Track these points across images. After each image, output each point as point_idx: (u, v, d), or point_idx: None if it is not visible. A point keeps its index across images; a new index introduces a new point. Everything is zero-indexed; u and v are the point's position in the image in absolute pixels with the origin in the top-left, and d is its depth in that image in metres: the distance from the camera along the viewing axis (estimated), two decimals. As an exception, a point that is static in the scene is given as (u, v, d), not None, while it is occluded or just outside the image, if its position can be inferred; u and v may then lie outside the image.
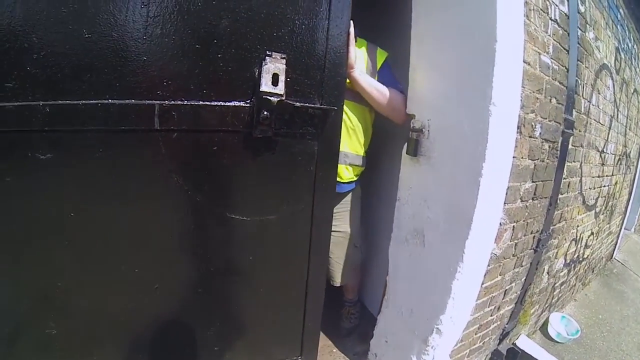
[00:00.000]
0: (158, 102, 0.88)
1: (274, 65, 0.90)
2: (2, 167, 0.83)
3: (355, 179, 1.31)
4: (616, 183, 2.37)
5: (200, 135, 0.95)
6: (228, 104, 0.92)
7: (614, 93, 1.84)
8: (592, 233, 2.14)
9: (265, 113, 0.91)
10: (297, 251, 1.15)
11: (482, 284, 1.14)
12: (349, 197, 1.36)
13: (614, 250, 3.17)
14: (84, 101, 0.84)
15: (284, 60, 0.91)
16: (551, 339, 1.86)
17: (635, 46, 2.18)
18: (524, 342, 1.64)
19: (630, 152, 2.52)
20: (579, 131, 1.47)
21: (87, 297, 0.98)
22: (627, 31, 1.98)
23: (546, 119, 1.13)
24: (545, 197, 1.32)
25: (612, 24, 1.71)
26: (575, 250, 1.95)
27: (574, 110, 1.31)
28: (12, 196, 0.85)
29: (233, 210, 1.04)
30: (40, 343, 0.99)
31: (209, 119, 0.92)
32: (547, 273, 1.64)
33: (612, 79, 1.79)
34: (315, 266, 1.17)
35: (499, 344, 1.51)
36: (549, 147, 1.20)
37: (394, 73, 1.23)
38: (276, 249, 1.13)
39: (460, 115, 0.90)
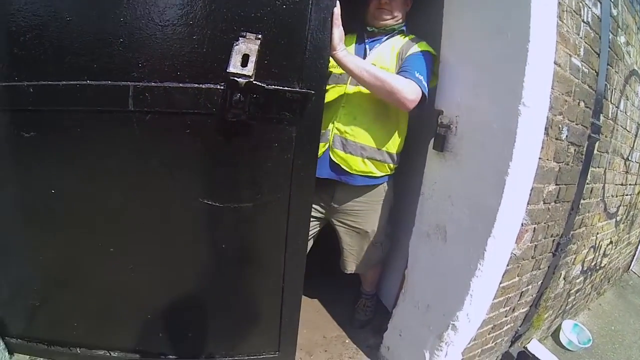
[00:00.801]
0: (132, 83, 0.88)
1: (246, 46, 0.86)
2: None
3: (376, 174, 1.28)
4: (639, 193, 2.32)
5: (174, 117, 0.93)
6: (201, 86, 0.89)
7: (642, 100, 1.81)
8: (611, 242, 2.11)
9: (239, 96, 0.87)
10: (272, 242, 1.11)
11: (500, 283, 1.15)
12: (372, 194, 1.34)
13: (631, 261, 3.10)
14: (64, 82, 0.88)
15: (259, 41, 0.87)
16: (562, 346, 1.84)
17: (666, 53, 2.12)
18: (535, 347, 1.63)
19: (655, 161, 2.46)
20: (605, 137, 1.45)
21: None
22: (658, 37, 1.93)
23: (573, 122, 1.12)
24: (568, 201, 1.31)
25: (644, 29, 1.68)
26: (593, 258, 1.92)
27: (601, 115, 1.30)
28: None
29: (206, 195, 1.01)
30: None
31: (181, 101, 0.90)
32: (564, 279, 1.63)
33: (641, 85, 1.75)
34: (292, 259, 1.13)
35: (510, 346, 1.52)
36: (575, 150, 1.20)
37: (426, 67, 1.16)
38: (250, 238, 1.11)
39: (490, 113, 0.91)
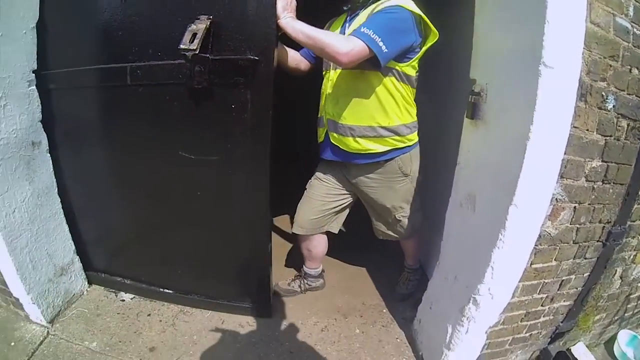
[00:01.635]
0: (129, 64, 1.22)
1: (196, 26, 1.07)
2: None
3: (377, 150, 1.29)
4: None
5: (157, 88, 1.23)
6: (173, 62, 1.15)
7: None
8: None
9: (199, 67, 1.10)
10: (238, 192, 1.32)
11: (531, 263, 1.09)
12: (383, 170, 1.36)
13: None
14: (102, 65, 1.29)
15: (209, 21, 1.08)
16: (614, 359, 1.63)
17: None
18: (580, 351, 1.47)
19: None
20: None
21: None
22: None
23: (624, 91, 1.02)
24: (621, 184, 1.18)
25: None
26: (666, 260, 1.66)
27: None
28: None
29: (183, 149, 1.28)
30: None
31: (161, 75, 1.20)
32: (620, 277, 1.44)
33: None
34: (256, 212, 1.33)
35: (549, 342, 1.40)
36: (628, 125, 1.08)
37: (383, 22, 1.10)
38: (219, 187, 1.33)
39: (513, 76, 0.89)
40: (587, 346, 1.54)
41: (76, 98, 1.37)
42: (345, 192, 1.49)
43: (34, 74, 1.31)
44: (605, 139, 1.05)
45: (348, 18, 1.33)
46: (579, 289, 1.32)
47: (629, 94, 1.04)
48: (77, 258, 1.59)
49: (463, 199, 1.13)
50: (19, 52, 1.25)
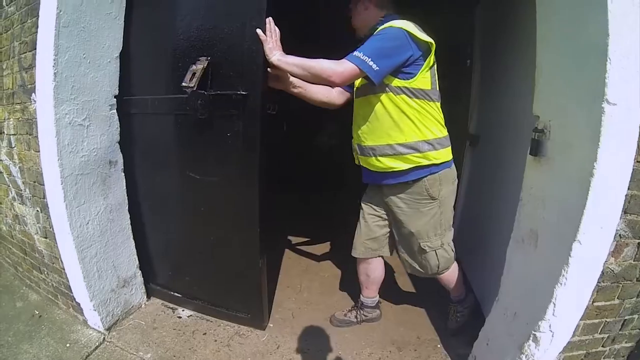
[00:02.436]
0: (150, 96, 1.47)
1: (195, 67, 1.29)
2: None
3: (400, 167, 1.30)
4: None
5: (171, 117, 1.46)
6: (182, 95, 1.32)
7: None
8: None
9: (201, 101, 1.30)
10: (233, 209, 1.45)
11: (593, 301, 1.06)
12: (412, 191, 1.35)
13: None
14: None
15: (207, 62, 1.29)
16: None
17: None
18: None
19: None
20: None
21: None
22: None
23: (686, 126, 1.01)
24: (688, 221, 1.14)
25: None
26: None
27: None
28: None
29: (190, 170, 1.47)
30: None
31: (173, 106, 1.42)
32: (689, 319, 1.35)
33: None
34: (248, 229, 1.43)
35: (612, 387, 1.31)
36: (691, 159, 1.06)
37: (375, 43, 1.20)
38: (217, 203, 1.47)
39: (577, 113, 0.91)
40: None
41: (146, 122, 1.54)
42: (386, 215, 1.51)
43: (115, 99, 1.49)
44: (669, 174, 1.03)
45: None
46: (643, 330, 1.25)
47: (691, 130, 1.03)
48: (139, 272, 1.71)
49: (525, 235, 1.13)
50: (104, 79, 1.44)
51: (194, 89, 1.24)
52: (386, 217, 1.52)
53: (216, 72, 1.31)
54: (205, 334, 1.57)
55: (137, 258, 1.68)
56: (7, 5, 1.54)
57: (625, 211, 0.97)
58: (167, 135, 1.50)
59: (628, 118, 0.85)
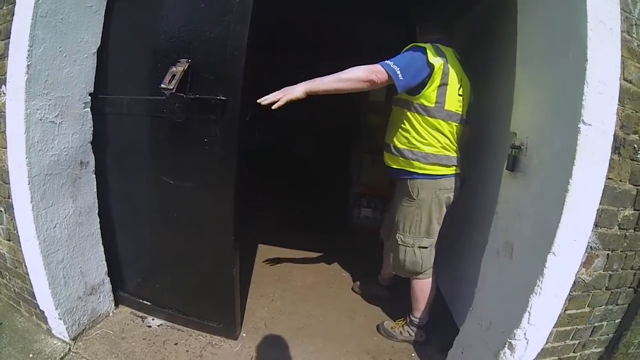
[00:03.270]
0: (126, 96, 1.40)
1: (175, 68, 1.23)
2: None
3: (391, 165, 1.51)
4: None
5: (147, 119, 1.40)
6: (160, 97, 1.28)
7: None
8: None
9: (179, 104, 1.26)
10: (207, 216, 1.40)
11: (565, 309, 1.10)
12: (399, 186, 1.55)
13: None
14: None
15: (187, 64, 1.24)
16: None
17: None
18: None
19: None
20: None
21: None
22: None
23: (654, 143, 1.06)
24: (653, 232, 1.20)
25: None
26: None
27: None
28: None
29: (165, 175, 1.41)
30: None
31: (150, 108, 1.36)
32: (653, 324, 1.42)
33: None
34: (222, 237, 1.40)
35: (582, 390, 1.36)
36: (659, 175, 1.11)
37: (401, 55, 1.33)
38: (191, 209, 1.43)
39: (553, 132, 0.94)
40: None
41: (120, 123, 1.47)
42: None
43: (89, 97, 1.41)
44: (637, 188, 1.08)
45: None
46: (610, 335, 1.30)
47: (658, 146, 1.08)
48: (107, 279, 1.61)
49: (500, 247, 1.16)
50: (79, 75, 1.36)
51: (173, 91, 1.19)
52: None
53: (196, 75, 1.26)
54: (176, 344, 1.51)
55: (105, 264, 1.59)
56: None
57: (596, 224, 1.01)
58: (142, 138, 1.43)
59: (602, 138, 0.88)
